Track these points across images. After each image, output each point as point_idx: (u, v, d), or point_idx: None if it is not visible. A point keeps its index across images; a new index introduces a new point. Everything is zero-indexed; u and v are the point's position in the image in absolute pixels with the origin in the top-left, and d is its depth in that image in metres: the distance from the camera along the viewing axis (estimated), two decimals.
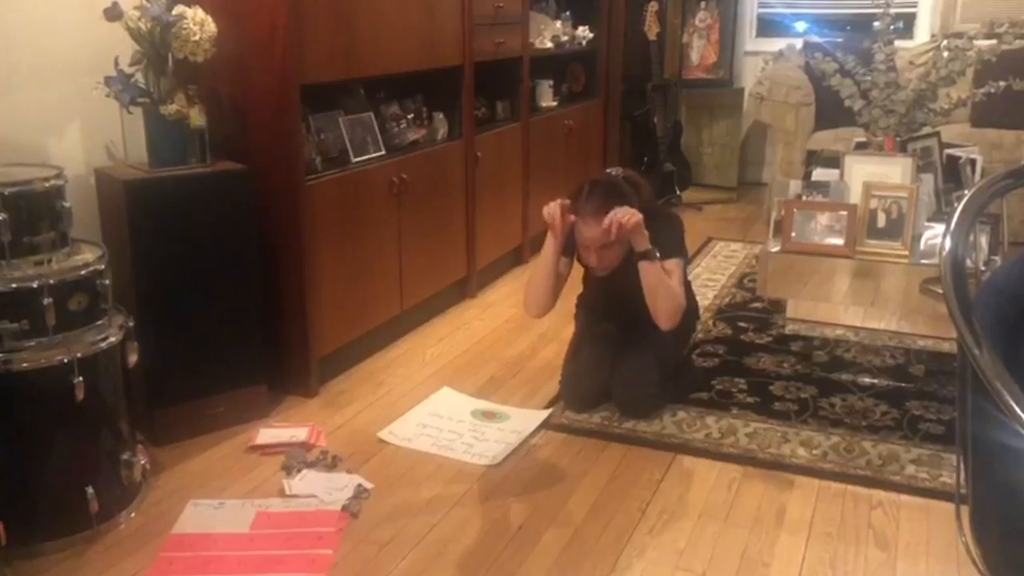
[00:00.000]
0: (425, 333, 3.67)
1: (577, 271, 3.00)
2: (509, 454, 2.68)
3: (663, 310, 2.74)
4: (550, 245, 2.78)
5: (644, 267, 2.70)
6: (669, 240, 2.83)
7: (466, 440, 2.77)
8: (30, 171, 2.32)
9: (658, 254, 2.72)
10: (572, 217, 2.73)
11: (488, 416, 2.93)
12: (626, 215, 2.64)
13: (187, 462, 2.66)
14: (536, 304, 2.85)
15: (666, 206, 2.77)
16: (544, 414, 2.92)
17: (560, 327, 3.55)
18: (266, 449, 2.71)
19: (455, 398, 3.07)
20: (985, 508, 1.36)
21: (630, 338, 2.97)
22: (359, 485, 2.50)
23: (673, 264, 2.81)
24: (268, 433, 2.79)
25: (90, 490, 2.25)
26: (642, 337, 2.96)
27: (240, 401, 2.85)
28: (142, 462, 2.43)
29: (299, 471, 2.58)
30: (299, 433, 2.77)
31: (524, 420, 2.89)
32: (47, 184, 2.27)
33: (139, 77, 2.66)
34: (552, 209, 2.72)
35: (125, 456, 2.38)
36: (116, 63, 2.62)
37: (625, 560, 2.20)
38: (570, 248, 2.87)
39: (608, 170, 3.01)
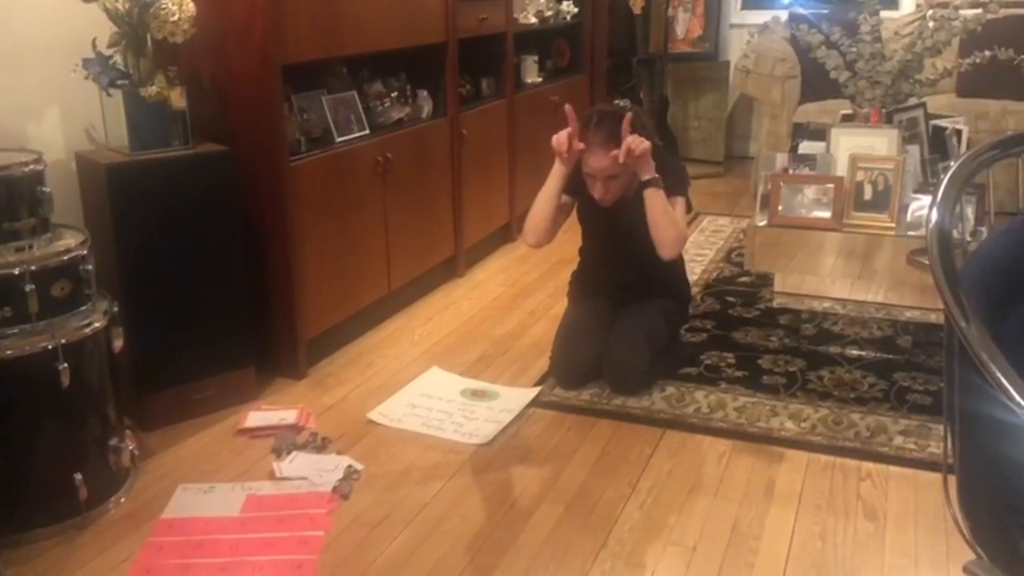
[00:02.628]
0: (413, 313, 3.66)
1: (574, 241, 2.97)
2: (499, 433, 2.68)
3: (667, 239, 2.74)
4: (557, 171, 2.81)
5: (649, 194, 2.72)
6: (675, 179, 2.87)
7: (456, 419, 2.77)
8: (8, 156, 2.29)
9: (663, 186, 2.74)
10: (581, 145, 2.73)
11: (478, 395, 2.93)
12: (636, 141, 2.66)
13: (176, 447, 2.65)
14: (535, 232, 2.87)
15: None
16: (533, 392, 2.92)
17: (550, 304, 3.55)
18: (255, 432, 2.70)
19: (444, 377, 3.06)
20: (972, 479, 1.37)
21: (621, 314, 2.97)
22: (349, 466, 2.50)
23: (676, 201, 2.84)
24: (257, 416, 2.78)
25: (78, 476, 2.24)
26: (634, 313, 2.96)
27: (228, 385, 2.84)
28: (130, 447, 2.42)
29: (289, 454, 2.58)
30: (288, 416, 2.77)
31: (514, 398, 2.89)
32: (26, 169, 2.25)
33: (118, 59, 2.63)
34: (561, 137, 2.73)
35: (113, 442, 2.36)
36: (94, 45, 2.59)
37: (616, 535, 2.20)
38: (572, 187, 2.88)
39: (616, 101, 2.99)
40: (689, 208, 2.95)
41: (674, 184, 2.84)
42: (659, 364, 2.97)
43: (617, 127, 2.70)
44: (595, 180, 2.79)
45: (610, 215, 2.91)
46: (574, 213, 3.03)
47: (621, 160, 2.69)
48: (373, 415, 2.82)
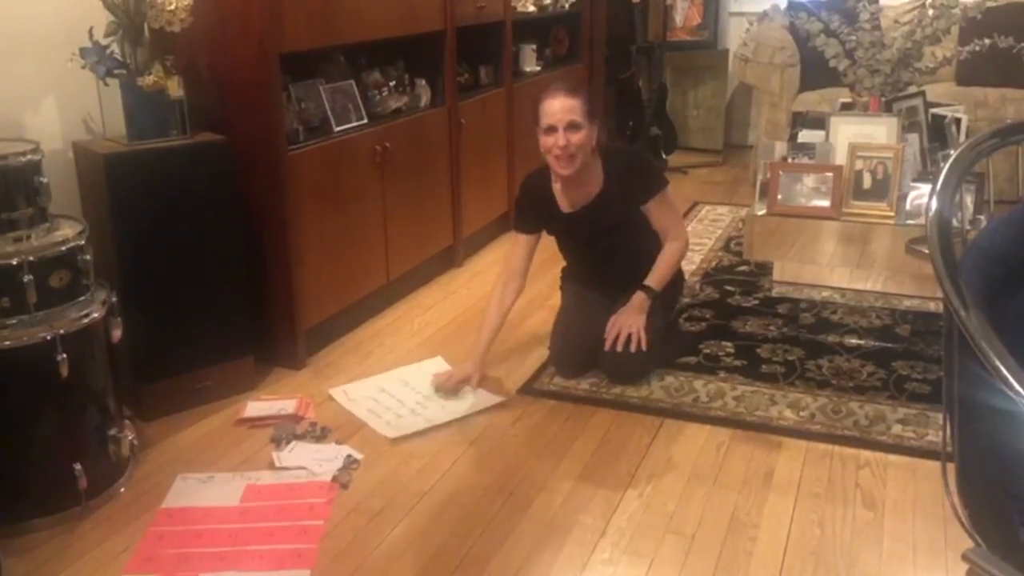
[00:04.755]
0: (412, 303, 3.66)
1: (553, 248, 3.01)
2: (417, 431, 2.64)
3: (682, 251, 2.99)
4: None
5: (656, 286, 2.92)
6: (650, 175, 2.92)
7: (401, 411, 2.76)
8: (6, 146, 2.29)
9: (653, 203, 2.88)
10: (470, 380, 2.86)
11: (448, 392, 2.86)
12: (629, 326, 2.84)
13: (175, 436, 2.65)
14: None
15: (619, 140, 2.88)
16: (496, 399, 2.83)
17: (548, 294, 3.55)
18: (254, 422, 2.71)
19: (438, 370, 3.02)
20: (971, 467, 1.37)
21: (616, 307, 2.97)
22: (348, 456, 2.50)
23: (669, 199, 2.91)
24: (256, 406, 2.78)
25: (78, 466, 2.24)
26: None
27: (227, 374, 2.84)
28: (130, 437, 2.42)
29: (288, 443, 2.58)
30: (287, 405, 2.77)
31: (473, 402, 2.82)
32: (23, 159, 2.24)
33: (115, 48, 2.62)
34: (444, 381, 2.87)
35: (113, 432, 2.37)
36: (91, 34, 2.57)
37: (615, 524, 2.21)
38: (531, 226, 2.96)
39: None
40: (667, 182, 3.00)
41: (654, 181, 2.91)
42: (657, 353, 2.97)
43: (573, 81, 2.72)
44: (556, 133, 2.71)
45: (583, 225, 2.91)
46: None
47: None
48: (335, 391, 2.85)
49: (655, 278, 2.93)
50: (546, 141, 2.76)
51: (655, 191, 2.90)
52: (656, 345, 2.94)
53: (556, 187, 2.92)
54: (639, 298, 2.91)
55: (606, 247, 2.95)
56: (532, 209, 2.96)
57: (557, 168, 2.80)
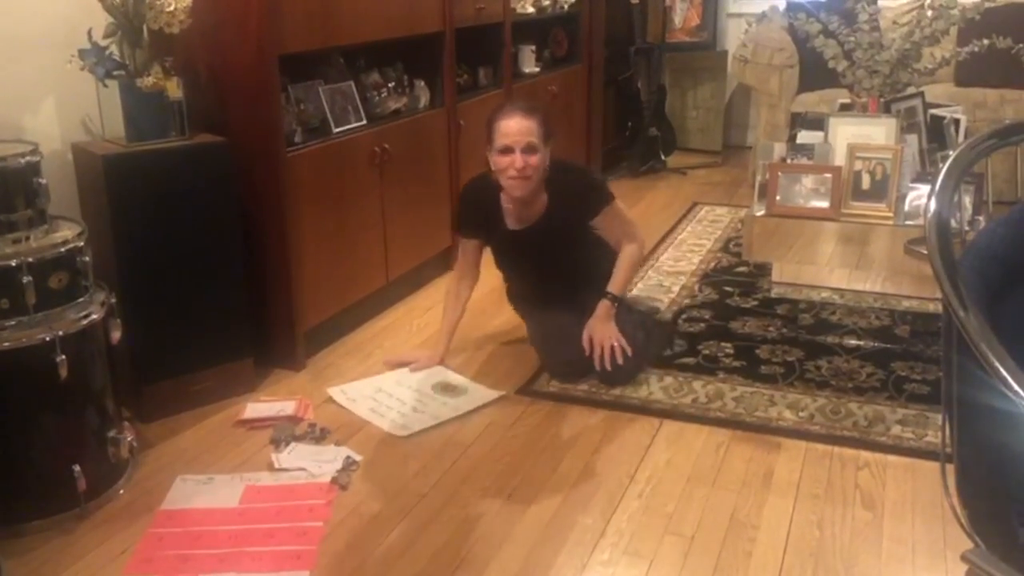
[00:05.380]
0: (411, 304, 3.66)
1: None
2: (424, 428, 2.66)
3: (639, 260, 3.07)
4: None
5: (616, 293, 2.94)
6: (593, 193, 2.95)
7: (403, 410, 2.77)
8: (5, 147, 2.28)
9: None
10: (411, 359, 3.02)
11: (447, 390, 2.89)
12: (608, 337, 2.85)
13: (175, 438, 2.65)
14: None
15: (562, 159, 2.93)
16: (495, 394, 2.85)
17: None
18: (254, 423, 2.70)
19: (433, 369, 3.03)
20: (970, 468, 1.37)
21: (587, 317, 2.95)
22: (348, 457, 2.50)
23: (617, 209, 2.96)
24: (255, 407, 2.78)
25: (77, 468, 2.24)
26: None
27: (226, 376, 2.84)
28: (129, 439, 2.42)
29: (287, 444, 2.58)
30: (287, 407, 2.77)
31: (473, 398, 2.84)
32: (22, 160, 2.24)
33: (114, 49, 2.62)
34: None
35: (112, 433, 2.36)
36: (90, 35, 2.57)
37: (615, 525, 2.21)
38: (472, 231, 3.01)
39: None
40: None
41: (601, 197, 2.94)
42: (643, 351, 2.97)
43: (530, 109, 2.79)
44: (513, 154, 2.72)
45: (528, 245, 2.92)
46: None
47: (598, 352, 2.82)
48: (333, 391, 2.84)
49: (616, 284, 2.94)
50: (501, 161, 2.76)
51: (600, 208, 2.91)
52: (639, 345, 2.94)
53: (504, 202, 2.92)
54: (604, 307, 2.91)
55: (551, 266, 2.95)
56: (476, 220, 2.99)
57: (511, 190, 2.81)
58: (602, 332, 2.87)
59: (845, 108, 3.26)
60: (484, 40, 4.24)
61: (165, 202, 2.63)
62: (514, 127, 2.72)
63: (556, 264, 2.95)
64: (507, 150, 2.74)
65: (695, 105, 6.12)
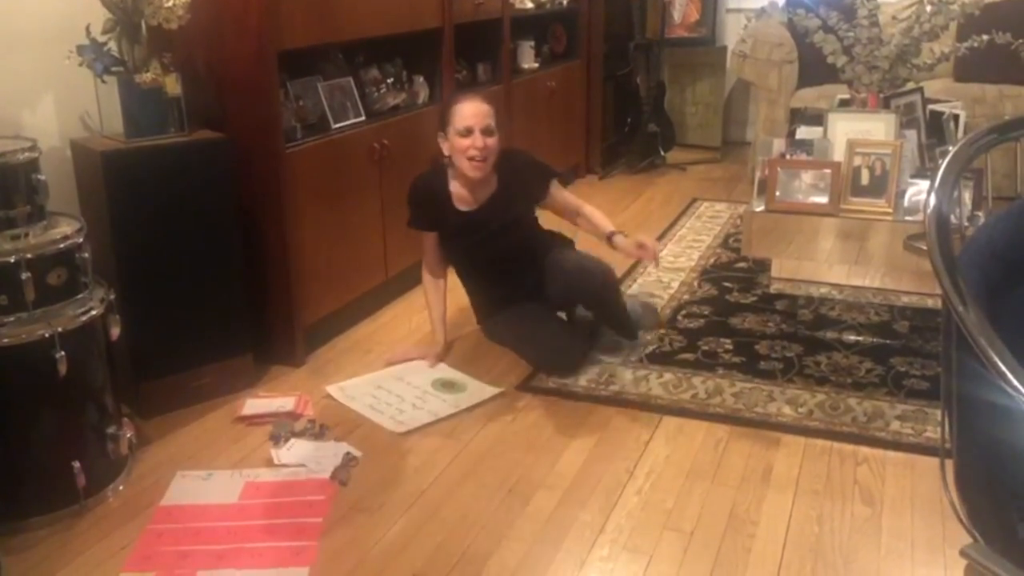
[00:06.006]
0: (411, 300, 3.66)
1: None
2: (423, 424, 2.66)
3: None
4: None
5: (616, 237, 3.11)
6: (539, 169, 3.15)
7: (403, 407, 2.77)
8: (3, 144, 2.28)
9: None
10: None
11: (447, 386, 2.90)
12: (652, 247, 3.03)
13: (174, 434, 2.65)
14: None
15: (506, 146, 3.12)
16: (495, 390, 2.86)
17: None
18: (253, 419, 2.71)
19: (427, 365, 3.04)
20: (969, 463, 1.37)
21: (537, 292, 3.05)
22: (347, 453, 2.50)
23: (559, 184, 3.20)
24: (255, 403, 2.78)
25: (76, 464, 2.24)
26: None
27: (226, 372, 2.84)
28: (128, 435, 2.42)
29: (287, 441, 2.58)
30: (286, 403, 2.77)
31: (472, 394, 2.85)
32: (21, 157, 2.24)
33: (112, 45, 2.61)
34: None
35: (111, 430, 2.36)
36: (88, 31, 2.57)
37: (614, 521, 2.21)
38: (427, 223, 3.07)
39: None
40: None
41: (545, 174, 3.15)
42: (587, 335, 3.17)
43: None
44: (473, 135, 2.85)
45: (479, 225, 3.00)
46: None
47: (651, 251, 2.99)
48: (332, 389, 2.85)
49: (609, 223, 3.15)
50: (461, 143, 2.88)
51: (548, 180, 3.14)
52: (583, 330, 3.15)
53: (453, 187, 3.02)
54: (622, 237, 3.10)
55: (501, 246, 3.03)
56: (425, 209, 3.06)
57: (470, 170, 2.91)
58: (647, 239, 3.05)
59: (844, 104, 3.26)
60: (483, 36, 4.23)
61: (164, 198, 2.62)
62: (473, 109, 2.87)
63: (506, 241, 3.03)
64: (468, 131, 2.86)
65: (694, 101, 6.12)
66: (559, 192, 3.19)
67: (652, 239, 3.09)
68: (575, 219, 3.22)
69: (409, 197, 3.08)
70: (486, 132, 2.87)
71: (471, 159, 2.88)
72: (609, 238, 3.09)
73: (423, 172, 3.11)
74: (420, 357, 3.06)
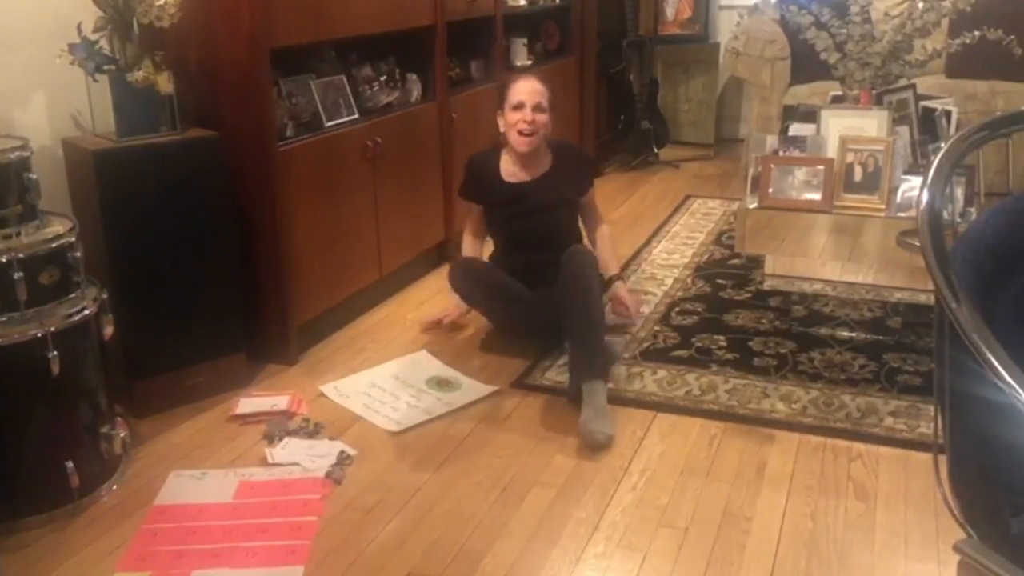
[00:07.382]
0: (404, 298, 3.66)
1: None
2: (418, 423, 2.66)
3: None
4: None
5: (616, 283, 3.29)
6: (592, 166, 3.46)
7: (397, 405, 2.77)
8: None
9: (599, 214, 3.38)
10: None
11: (441, 384, 2.90)
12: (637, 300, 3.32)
13: (168, 433, 2.65)
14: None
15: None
16: (489, 389, 2.86)
17: None
18: (247, 418, 2.70)
19: (422, 363, 3.04)
20: (962, 458, 1.38)
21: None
22: (342, 452, 2.50)
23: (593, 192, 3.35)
24: (249, 402, 2.78)
25: (70, 464, 2.23)
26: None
27: (219, 371, 2.84)
28: (122, 435, 2.42)
29: (281, 439, 2.58)
30: (280, 401, 2.76)
31: (467, 393, 2.85)
32: (12, 156, 2.23)
33: (104, 44, 2.61)
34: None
35: (105, 429, 2.36)
36: (79, 30, 2.56)
37: (608, 518, 2.21)
38: (474, 195, 3.23)
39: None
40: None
41: (592, 173, 3.39)
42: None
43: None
44: (524, 109, 3.02)
45: (521, 198, 3.11)
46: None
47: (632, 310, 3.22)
48: (326, 388, 2.84)
49: (616, 264, 3.36)
50: (513, 116, 3.06)
51: (592, 180, 3.35)
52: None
53: (504, 160, 3.18)
54: (623, 286, 3.30)
55: (536, 222, 3.13)
56: (475, 180, 3.23)
57: (518, 144, 3.08)
58: (633, 296, 3.32)
59: (837, 100, 3.27)
60: (476, 33, 4.23)
61: (156, 197, 2.62)
62: (528, 87, 3.06)
63: (544, 221, 3.14)
64: (520, 106, 3.04)
65: (687, 98, 6.12)
66: (592, 195, 3.33)
67: (638, 302, 3.37)
68: (592, 232, 3.36)
69: (465, 169, 3.26)
70: (537, 109, 3.03)
71: (520, 132, 3.03)
72: (609, 280, 3.24)
73: (479, 152, 3.31)
74: (446, 315, 3.26)
